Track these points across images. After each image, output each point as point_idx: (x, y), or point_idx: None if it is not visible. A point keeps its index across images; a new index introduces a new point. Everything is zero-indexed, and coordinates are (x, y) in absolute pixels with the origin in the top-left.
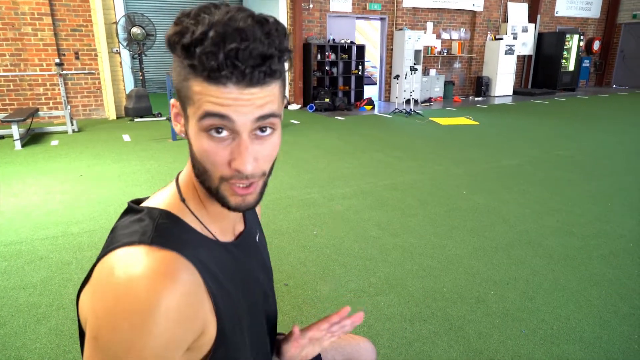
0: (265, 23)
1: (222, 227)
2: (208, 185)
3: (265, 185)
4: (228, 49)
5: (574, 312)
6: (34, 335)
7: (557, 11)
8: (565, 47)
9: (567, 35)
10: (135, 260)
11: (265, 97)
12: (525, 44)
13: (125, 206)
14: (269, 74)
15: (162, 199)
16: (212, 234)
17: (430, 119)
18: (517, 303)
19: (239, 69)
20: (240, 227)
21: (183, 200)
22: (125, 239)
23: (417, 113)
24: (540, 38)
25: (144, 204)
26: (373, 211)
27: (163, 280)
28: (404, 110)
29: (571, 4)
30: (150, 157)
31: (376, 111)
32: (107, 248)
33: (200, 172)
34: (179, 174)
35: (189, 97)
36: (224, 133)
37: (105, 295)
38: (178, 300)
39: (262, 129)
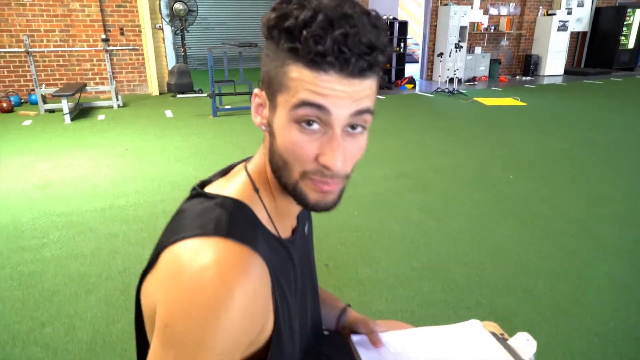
0: (371, 14)
1: (286, 223)
2: (285, 180)
3: (344, 188)
4: (337, 34)
5: (632, 309)
6: (85, 304)
7: None
8: (625, 23)
9: (629, 10)
10: (210, 252)
11: (364, 91)
12: (580, 20)
13: (167, 182)
14: (372, 65)
15: (233, 188)
16: (277, 230)
17: (475, 99)
18: (568, 296)
19: (345, 55)
20: (294, 223)
21: (256, 190)
22: (198, 228)
23: (461, 93)
24: (597, 13)
25: (212, 190)
26: (414, 194)
27: (238, 275)
28: (446, 90)
29: None
30: (192, 133)
31: (417, 90)
32: (178, 235)
33: (279, 167)
34: (246, 163)
35: (283, 83)
36: (316, 126)
37: (180, 285)
38: (250, 295)
39: (353, 127)
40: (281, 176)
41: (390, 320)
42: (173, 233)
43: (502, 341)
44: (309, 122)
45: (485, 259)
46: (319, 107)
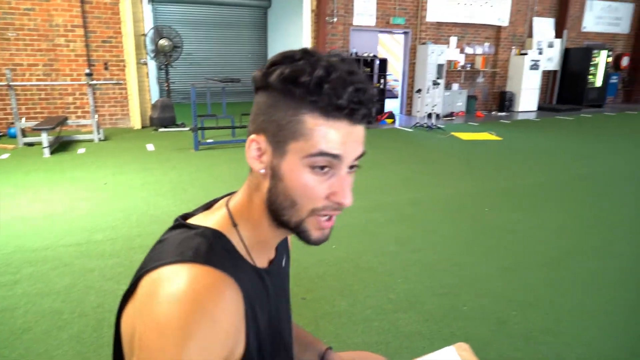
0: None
1: (263, 254)
2: (289, 219)
3: None
4: (351, 89)
5: (601, 336)
6: (56, 342)
7: (584, 26)
8: (592, 62)
9: (595, 51)
10: (187, 276)
11: (363, 135)
12: (551, 59)
13: (146, 216)
14: (372, 114)
15: (213, 220)
16: (253, 260)
17: (452, 133)
18: (540, 325)
19: (357, 106)
20: (272, 255)
21: (235, 225)
22: (178, 255)
23: (439, 127)
24: (566, 53)
25: (194, 222)
26: (393, 226)
27: (211, 295)
28: (425, 125)
29: (599, 19)
30: (173, 167)
31: (397, 125)
32: (159, 261)
33: (285, 207)
34: (228, 199)
35: (298, 132)
36: (327, 169)
37: (155, 306)
38: (223, 314)
39: (351, 167)
40: (284, 215)
41: (361, 351)
42: (153, 260)
43: None
44: (322, 167)
45: (460, 290)
46: (334, 156)
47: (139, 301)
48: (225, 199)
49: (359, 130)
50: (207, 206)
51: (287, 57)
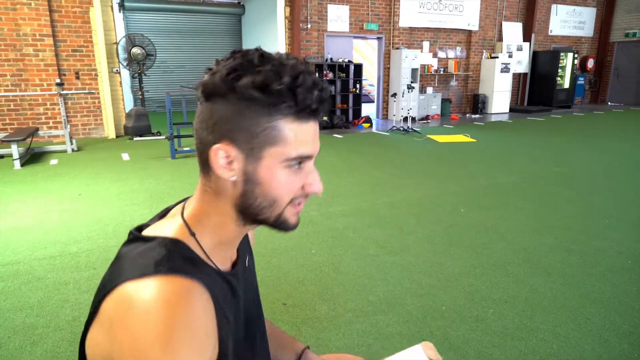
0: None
1: (224, 257)
2: (269, 215)
3: None
4: (317, 90)
5: (574, 330)
6: (29, 358)
7: (551, 30)
8: (560, 65)
9: (562, 54)
10: (154, 289)
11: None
12: (521, 62)
13: (123, 226)
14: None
15: (169, 230)
16: (215, 265)
17: (428, 136)
18: (516, 322)
19: (322, 105)
20: (234, 256)
21: (193, 234)
22: (139, 269)
23: (415, 131)
24: (535, 56)
25: (149, 233)
26: (371, 229)
27: (183, 301)
28: (401, 128)
29: (565, 23)
30: (149, 176)
31: (374, 129)
32: (119, 279)
33: (264, 206)
34: (183, 208)
35: (274, 137)
36: (301, 164)
37: (130, 325)
38: (199, 319)
39: None
40: (264, 214)
41: (341, 354)
42: (113, 279)
43: None
44: (298, 164)
45: (438, 291)
46: (309, 157)
47: (107, 324)
48: (179, 206)
49: (317, 125)
50: (162, 215)
51: (248, 63)
